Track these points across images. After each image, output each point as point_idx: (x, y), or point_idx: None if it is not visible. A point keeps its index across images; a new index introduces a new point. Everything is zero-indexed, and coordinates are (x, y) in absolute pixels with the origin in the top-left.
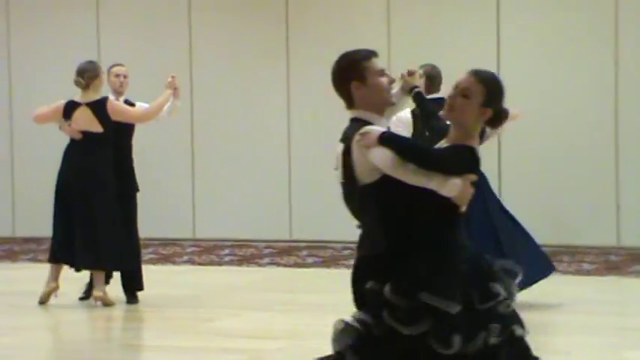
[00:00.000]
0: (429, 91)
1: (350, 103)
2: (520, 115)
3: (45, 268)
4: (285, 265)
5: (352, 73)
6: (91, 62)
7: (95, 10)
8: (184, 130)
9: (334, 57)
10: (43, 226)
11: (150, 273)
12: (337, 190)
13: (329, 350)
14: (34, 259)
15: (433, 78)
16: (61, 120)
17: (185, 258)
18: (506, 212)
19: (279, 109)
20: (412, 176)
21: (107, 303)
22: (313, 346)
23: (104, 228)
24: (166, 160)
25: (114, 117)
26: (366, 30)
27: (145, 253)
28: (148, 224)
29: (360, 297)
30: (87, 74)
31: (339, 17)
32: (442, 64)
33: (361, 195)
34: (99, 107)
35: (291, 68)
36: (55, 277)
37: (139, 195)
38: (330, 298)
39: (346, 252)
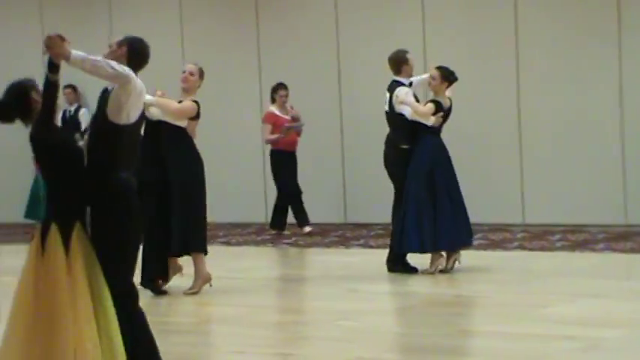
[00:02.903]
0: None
1: None
2: None
3: (373, 254)
4: (622, 251)
5: None
6: None
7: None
8: (511, 114)
9: None
10: (374, 213)
11: (480, 259)
12: None
13: None
14: (366, 245)
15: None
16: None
17: (515, 244)
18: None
19: (611, 90)
20: None
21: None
22: None
23: None
24: (493, 145)
25: None
26: None
27: (475, 239)
28: (479, 209)
29: None
30: None
31: None
32: None
33: None
34: None
35: (623, 47)
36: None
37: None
38: None
39: None
